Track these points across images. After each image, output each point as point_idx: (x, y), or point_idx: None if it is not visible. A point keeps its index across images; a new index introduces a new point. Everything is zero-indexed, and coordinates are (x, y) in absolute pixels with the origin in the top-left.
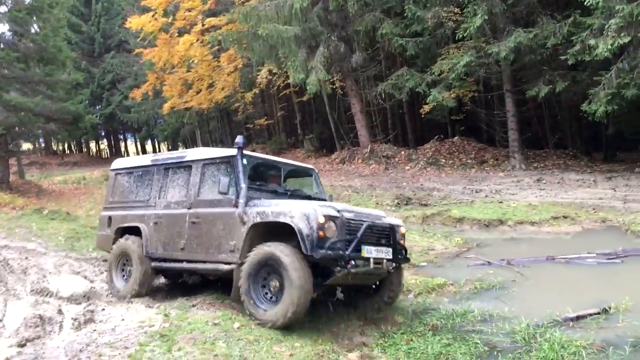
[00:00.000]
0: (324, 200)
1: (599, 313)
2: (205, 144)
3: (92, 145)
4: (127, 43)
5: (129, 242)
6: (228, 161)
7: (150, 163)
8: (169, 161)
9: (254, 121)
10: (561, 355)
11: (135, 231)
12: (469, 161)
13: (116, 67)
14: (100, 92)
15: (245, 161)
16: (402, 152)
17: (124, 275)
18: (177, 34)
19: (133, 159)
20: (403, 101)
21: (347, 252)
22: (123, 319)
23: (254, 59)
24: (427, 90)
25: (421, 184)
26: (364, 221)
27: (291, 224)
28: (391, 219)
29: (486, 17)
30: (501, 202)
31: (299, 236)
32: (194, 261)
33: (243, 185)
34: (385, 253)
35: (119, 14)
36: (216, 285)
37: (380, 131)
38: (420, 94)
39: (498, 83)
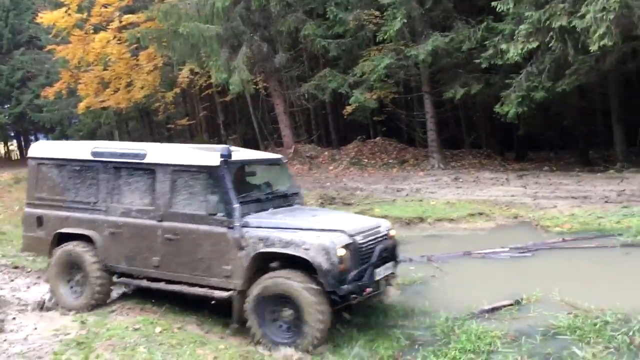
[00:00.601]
0: (297, 194)
1: (512, 304)
2: None
3: (0, 146)
4: (39, 39)
5: (78, 249)
6: (208, 172)
7: (91, 157)
8: (120, 159)
9: (176, 121)
10: (477, 345)
11: (80, 237)
12: (390, 161)
13: (26, 65)
14: (9, 91)
15: (230, 173)
16: (326, 153)
17: (72, 287)
18: (92, 31)
19: (61, 146)
20: (326, 102)
21: (364, 281)
22: (36, 328)
23: (174, 57)
24: (349, 91)
25: (344, 184)
26: (373, 244)
27: (308, 258)
28: (383, 223)
29: (405, 21)
30: (421, 200)
31: (318, 272)
32: (177, 282)
33: (236, 205)
34: (391, 268)
35: (29, 8)
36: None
37: (304, 131)
38: (343, 94)
39: (417, 85)
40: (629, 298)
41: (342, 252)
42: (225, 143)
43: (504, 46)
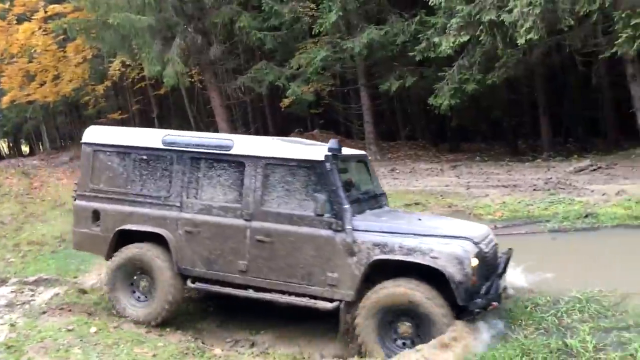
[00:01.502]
0: (384, 194)
1: None
2: (53, 141)
3: None
4: None
5: (146, 252)
6: (312, 167)
7: (162, 146)
8: (200, 150)
9: (107, 115)
10: None
11: (147, 236)
12: None
13: None
14: None
15: (337, 170)
16: None
17: (135, 293)
18: (16, 21)
19: (123, 132)
20: (263, 95)
21: (492, 295)
22: None
23: (104, 49)
24: (286, 84)
25: None
26: (494, 252)
27: (438, 268)
28: (487, 228)
29: (340, 14)
30: None
31: (451, 284)
32: (268, 290)
33: (347, 206)
34: (504, 279)
35: None
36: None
37: (242, 124)
38: (280, 87)
39: (353, 77)
40: (557, 281)
41: (475, 262)
42: None
43: (436, 39)
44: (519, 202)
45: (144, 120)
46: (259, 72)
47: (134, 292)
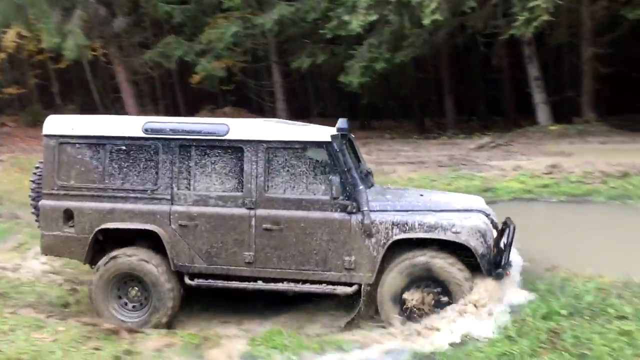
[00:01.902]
0: (371, 173)
1: None
2: None
3: None
4: None
5: (136, 260)
6: (318, 149)
7: (144, 134)
8: (190, 136)
9: (3, 90)
10: None
11: (132, 235)
12: None
13: None
14: None
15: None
16: None
17: (126, 304)
18: None
19: (92, 121)
20: (172, 70)
21: (509, 264)
22: None
23: None
24: (196, 59)
25: None
26: (507, 223)
27: (462, 242)
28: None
29: None
30: None
31: (477, 257)
32: (278, 280)
33: (361, 187)
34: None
35: None
36: None
37: (150, 101)
38: (190, 63)
39: (265, 54)
40: None
41: (495, 233)
42: (62, 113)
43: (346, 17)
44: (425, 178)
45: (45, 96)
46: (167, 46)
47: (125, 303)
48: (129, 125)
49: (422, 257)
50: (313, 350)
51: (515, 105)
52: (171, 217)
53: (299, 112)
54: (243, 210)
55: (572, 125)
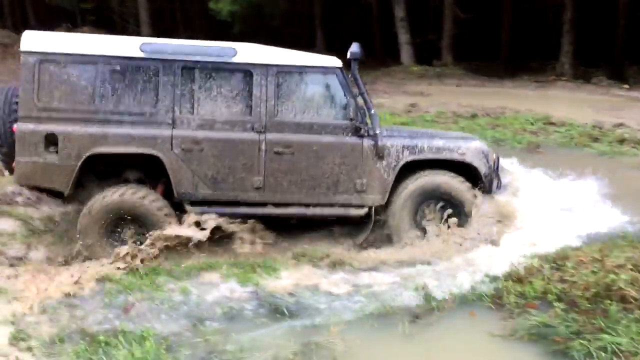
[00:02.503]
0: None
1: None
2: None
3: None
4: None
5: (136, 196)
6: (329, 73)
7: (143, 55)
8: (193, 58)
9: None
10: None
11: (126, 162)
12: None
13: None
14: None
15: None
16: None
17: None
18: None
19: (79, 39)
20: None
21: (500, 187)
22: None
23: None
24: None
25: None
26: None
27: (469, 162)
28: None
29: None
30: None
31: (481, 176)
32: (289, 204)
33: (374, 111)
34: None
35: None
36: None
37: None
38: None
39: None
40: None
41: (494, 155)
42: None
43: None
44: None
45: None
46: None
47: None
48: (123, 44)
49: (435, 177)
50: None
51: (383, 43)
52: (173, 141)
53: (165, 37)
54: (252, 135)
55: (431, 67)
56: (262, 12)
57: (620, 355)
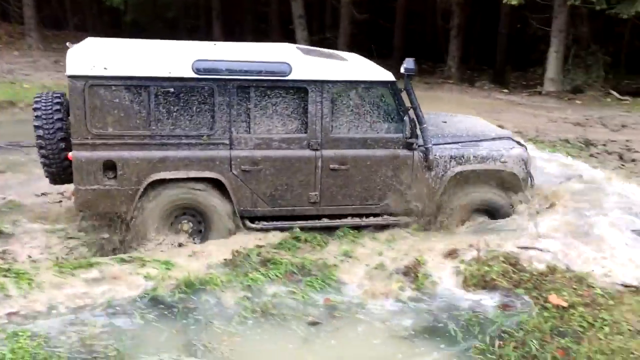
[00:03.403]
0: None
1: None
2: None
3: None
4: None
5: (201, 195)
6: (384, 88)
7: (195, 74)
8: (249, 77)
9: None
10: None
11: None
12: None
13: None
14: None
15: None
16: None
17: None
18: None
19: (128, 56)
20: None
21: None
22: None
23: None
24: None
25: None
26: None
27: (511, 171)
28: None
29: None
30: (14, 83)
31: (521, 183)
32: (342, 216)
33: (425, 125)
34: None
35: None
36: None
37: None
38: None
39: None
40: None
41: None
42: None
43: None
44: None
45: None
46: None
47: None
48: (175, 62)
49: (479, 194)
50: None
51: (282, 40)
52: (232, 162)
53: (51, 22)
54: (308, 152)
55: None
56: (157, 1)
57: None
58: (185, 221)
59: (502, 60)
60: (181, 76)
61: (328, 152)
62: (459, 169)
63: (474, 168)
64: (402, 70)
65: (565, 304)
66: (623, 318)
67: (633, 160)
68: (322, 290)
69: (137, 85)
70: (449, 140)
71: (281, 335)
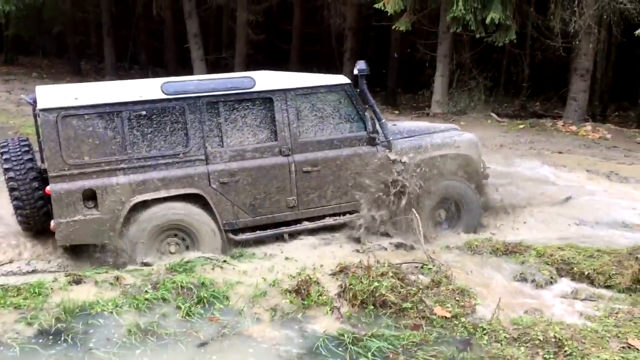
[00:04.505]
0: None
1: None
2: None
3: None
4: None
5: (183, 212)
6: (341, 91)
7: (166, 96)
8: (216, 92)
9: None
10: None
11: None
12: None
13: None
14: None
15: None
16: None
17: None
18: None
19: (95, 89)
20: None
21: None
22: None
23: None
24: None
25: None
26: None
27: (467, 154)
28: None
29: None
30: None
31: (477, 165)
32: (320, 217)
33: (383, 120)
34: None
35: None
36: None
37: None
38: None
39: None
40: None
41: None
42: None
43: None
44: None
45: None
46: None
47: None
48: (143, 88)
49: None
50: None
51: (177, 58)
52: (210, 177)
53: None
54: (281, 158)
55: None
56: (42, 16)
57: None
58: (173, 242)
59: (393, 83)
60: (152, 98)
61: (299, 157)
62: (419, 157)
63: (432, 155)
64: (355, 71)
65: (448, 315)
66: (501, 327)
67: None
68: (211, 308)
69: (109, 111)
70: (405, 135)
71: (168, 357)
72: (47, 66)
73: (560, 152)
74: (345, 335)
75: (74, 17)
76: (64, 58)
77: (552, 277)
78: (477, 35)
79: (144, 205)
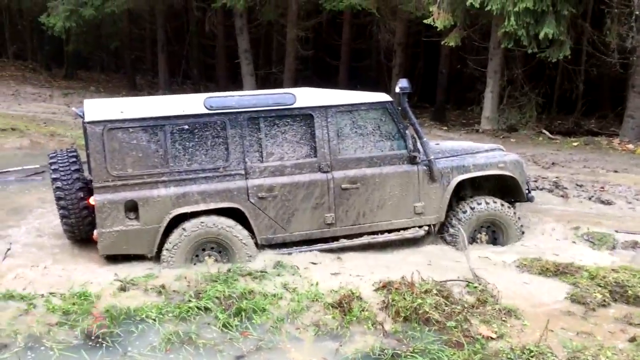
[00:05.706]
0: None
1: None
2: None
3: None
4: None
5: (221, 226)
6: (382, 108)
7: (208, 110)
8: (257, 108)
9: None
10: None
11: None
12: None
13: None
14: None
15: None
16: None
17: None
18: None
19: (142, 103)
20: None
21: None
22: None
23: None
24: None
25: None
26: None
27: (510, 174)
28: None
29: None
30: None
31: (521, 186)
32: (357, 235)
33: (425, 139)
34: None
35: None
36: None
37: None
38: None
39: None
40: None
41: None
42: None
43: None
44: None
45: None
46: None
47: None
48: (187, 103)
49: (495, 204)
50: None
51: (228, 73)
52: (249, 191)
53: None
54: (320, 175)
55: None
56: (101, 32)
57: None
58: (208, 255)
59: (442, 99)
60: (194, 113)
61: (338, 174)
62: (461, 177)
63: (476, 175)
64: (397, 89)
65: (494, 335)
66: (549, 350)
67: (562, 196)
68: (249, 321)
69: (153, 125)
70: (447, 154)
71: None
72: (104, 80)
73: (615, 171)
74: (385, 351)
75: (130, 34)
76: (120, 73)
77: (604, 300)
78: (530, 51)
79: (184, 217)
